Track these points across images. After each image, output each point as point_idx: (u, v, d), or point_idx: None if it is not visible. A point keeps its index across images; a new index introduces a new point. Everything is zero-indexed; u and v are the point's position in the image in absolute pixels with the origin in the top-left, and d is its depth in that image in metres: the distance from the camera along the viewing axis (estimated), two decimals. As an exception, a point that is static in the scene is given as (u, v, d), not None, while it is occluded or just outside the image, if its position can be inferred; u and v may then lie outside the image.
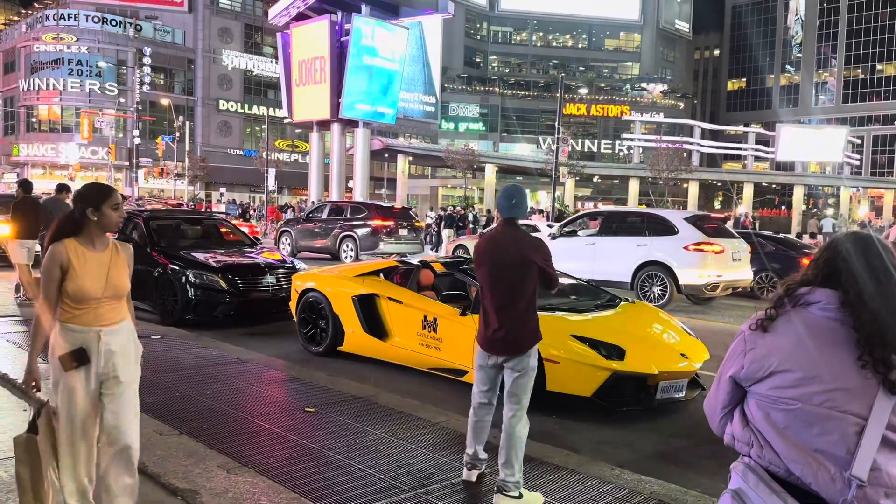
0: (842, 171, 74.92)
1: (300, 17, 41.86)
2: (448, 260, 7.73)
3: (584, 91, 79.58)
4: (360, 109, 41.06)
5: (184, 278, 8.78)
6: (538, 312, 5.50)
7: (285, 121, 46.28)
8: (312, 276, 7.86)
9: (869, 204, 72.23)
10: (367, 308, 6.96)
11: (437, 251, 24.00)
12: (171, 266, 9.04)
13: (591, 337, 5.43)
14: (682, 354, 5.67)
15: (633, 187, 61.26)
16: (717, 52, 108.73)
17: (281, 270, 9.41)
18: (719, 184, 68.12)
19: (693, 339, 6.01)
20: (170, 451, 4.16)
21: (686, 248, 11.52)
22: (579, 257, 12.40)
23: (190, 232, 10.38)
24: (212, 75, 59.96)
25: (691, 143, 70.70)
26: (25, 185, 9.67)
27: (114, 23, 54.11)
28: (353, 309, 7.01)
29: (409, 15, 43.30)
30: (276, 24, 45.11)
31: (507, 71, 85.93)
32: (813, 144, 71.39)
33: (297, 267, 9.72)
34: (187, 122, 50.37)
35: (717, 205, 77.89)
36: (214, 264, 9.09)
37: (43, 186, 37.44)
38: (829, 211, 66.97)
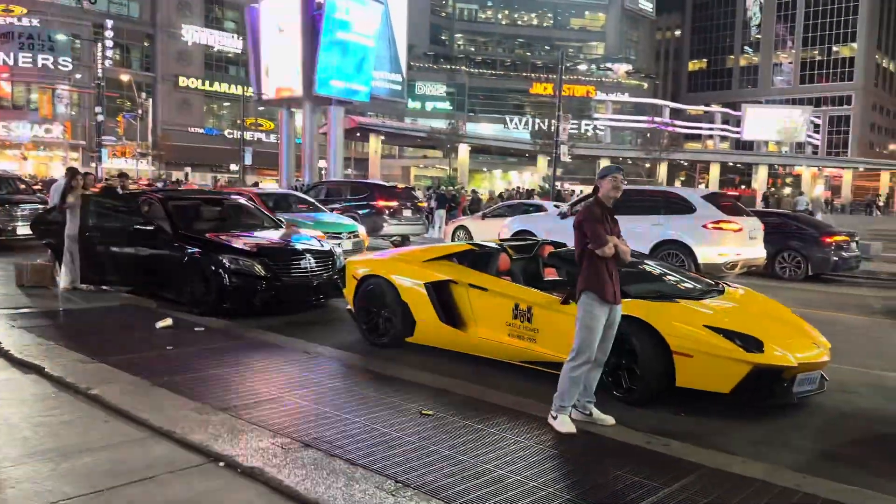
0: (803, 150, 76.55)
1: (269, -10, 40.41)
2: (515, 243, 7.19)
3: (552, 71, 79.29)
4: (335, 86, 39.90)
5: (217, 264, 8.05)
6: (657, 302, 5.09)
7: (254, 98, 44.67)
8: (372, 261, 7.24)
9: (825, 182, 74.07)
10: (443, 296, 6.39)
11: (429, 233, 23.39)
12: (201, 251, 8.30)
13: (724, 328, 4.99)
14: (815, 344, 5.29)
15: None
16: (678, 32, 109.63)
17: (319, 253, 8.75)
18: (686, 163, 68.88)
19: (811, 327, 5.64)
20: (308, 471, 3.59)
21: (705, 226, 11.27)
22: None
23: (211, 213, 9.60)
24: (171, 51, 57.76)
25: (679, 125, 71.39)
26: None
27: (66, -6, 51.49)
28: (427, 297, 6.43)
29: (383, -11, 42.16)
30: (243, -2, 43.46)
31: (472, 49, 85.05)
32: (776, 124, 72.63)
33: (335, 250, 9.07)
34: (150, 100, 48.36)
35: (677, 184, 78.87)
36: (249, 248, 8.37)
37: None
38: (787, 190, 68.53)
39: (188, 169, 52.10)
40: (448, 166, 54.60)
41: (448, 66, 78.58)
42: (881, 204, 53.48)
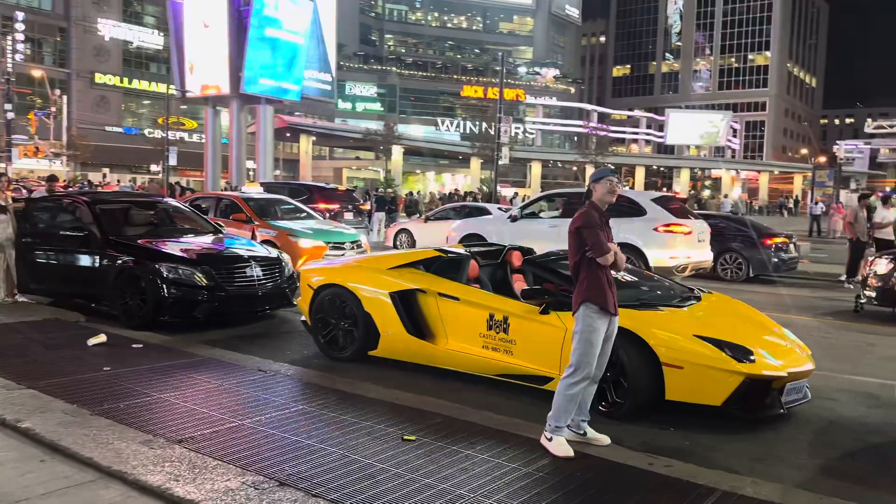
0: (723, 154, 79.66)
1: (193, -17, 38.98)
2: (480, 249, 6.86)
3: (482, 74, 79.68)
4: (264, 85, 38.84)
5: (153, 273, 7.39)
6: (642, 311, 4.86)
7: (177, 96, 42.91)
8: (330, 270, 6.76)
9: (742, 185, 77.33)
10: (411, 306, 6.01)
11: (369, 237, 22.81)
12: (135, 259, 7.62)
13: (713, 337, 4.80)
14: (799, 351, 5.18)
15: (536, 170, 62.10)
16: (602, 38, 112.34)
17: (265, 260, 8.19)
18: (612, 166, 70.28)
19: (791, 335, 5.53)
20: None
21: (656, 229, 11.28)
22: (543, 240, 11.86)
23: (143, 218, 8.87)
24: (86, 46, 54.84)
25: (612, 129, 72.70)
26: None
27: (-31, -17, 48.11)
28: (393, 307, 6.02)
29: (314, -14, 41.32)
30: (166, -9, 41.78)
31: (403, 51, 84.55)
32: (698, 128, 75.26)
33: (282, 257, 8.53)
34: (64, 97, 45.73)
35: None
36: (189, 256, 7.74)
37: None
38: (706, 192, 71.16)
39: (106, 170, 49.56)
40: (381, 168, 54.00)
41: (378, 67, 77.82)
42: (790, 205, 56.44)
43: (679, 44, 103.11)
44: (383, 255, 7.06)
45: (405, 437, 4.17)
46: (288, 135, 51.62)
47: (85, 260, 7.99)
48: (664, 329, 4.85)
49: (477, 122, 79.80)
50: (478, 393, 5.45)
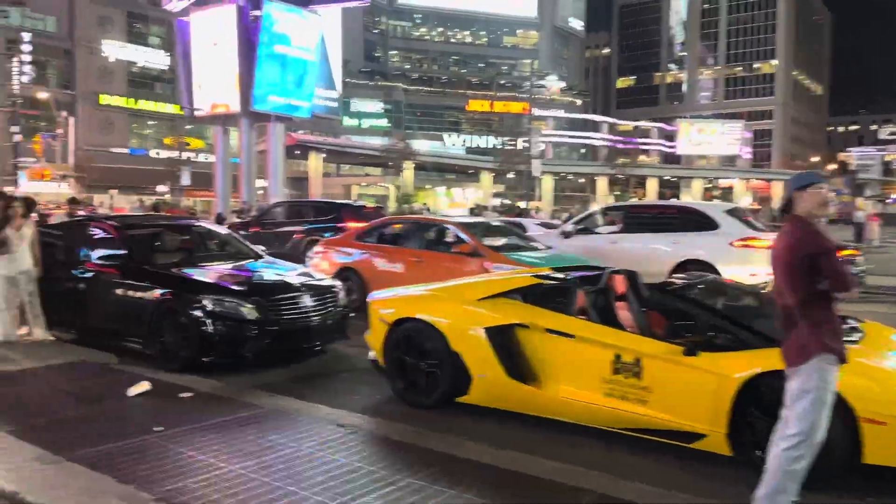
0: (734, 163, 78.86)
1: (200, 1, 38.36)
2: (576, 274, 5.92)
3: (487, 88, 79.30)
4: (274, 102, 38.03)
5: (196, 307, 6.48)
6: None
7: (186, 115, 42.26)
8: (405, 300, 5.84)
9: (752, 194, 76.50)
10: (510, 344, 5.09)
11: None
12: (173, 291, 6.72)
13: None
14: None
15: (547, 183, 61.31)
16: (606, 50, 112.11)
17: (317, 289, 7.26)
18: (622, 177, 69.58)
19: None
20: None
21: (732, 244, 10.37)
22: (602, 258, 10.96)
23: (178, 243, 7.96)
24: (91, 67, 54.38)
25: (635, 141, 72.03)
26: None
27: (-25, 7, 47.81)
28: (488, 345, 5.10)
29: (323, 2, 40.71)
30: (172, 11, 41.19)
31: (408, 66, 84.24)
32: (710, 138, 74.58)
33: (335, 285, 7.61)
34: (70, 119, 45.13)
35: (610, 200, 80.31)
36: (234, 286, 6.84)
37: None
38: (717, 202, 70.27)
39: (114, 192, 48.83)
40: (391, 184, 53.31)
41: (384, 83, 77.42)
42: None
43: (683, 54, 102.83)
44: (467, 282, 6.14)
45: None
46: (297, 152, 50.91)
47: (115, 292, 7.06)
48: (856, 374, 3.92)
49: (483, 136, 79.38)
50: (600, 449, 4.53)
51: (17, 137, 33.65)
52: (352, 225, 15.08)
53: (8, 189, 33.16)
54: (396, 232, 10.45)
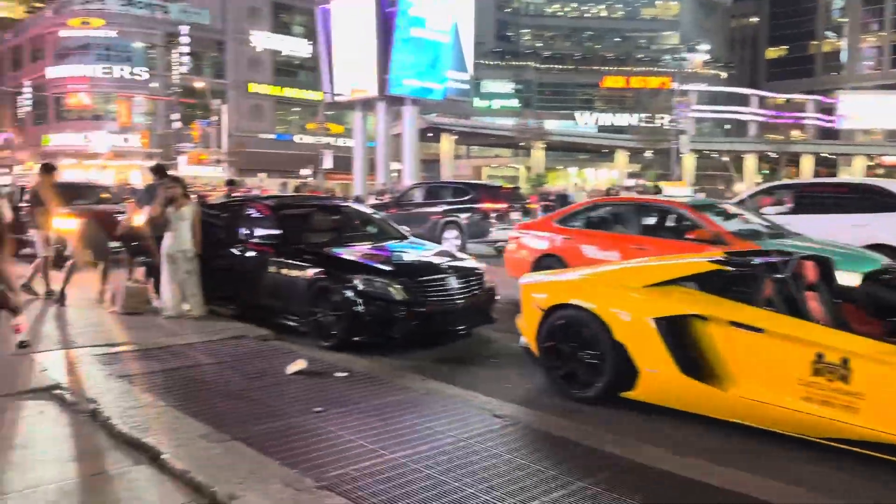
0: (902, 138, 71.22)
1: (341, -12, 39.52)
2: (757, 259, 5.26)
3: (623, 63, 76.33)
4: (408, 85, 38.61)
5: (347, 286, 6.47)
6: None
7: (327, 100, 43.86)
8: (561, 286, 5.49)
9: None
10: (684, 337, 4.61)
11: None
12: (325, 270, 6.75)
13: None
14: None
15: (689, 162, 58.13)
16: (754, 19, 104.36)
17: (463, 271, 7.07)
18: (775, 155, 64.67)
19: None
20: None
21: None
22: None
23: (329, 223, 8.06)
24: (241, 57, 57.68)
25: (805, 117, 67.49)
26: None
27: (140, 5, 51.92)
28: (659, 337, 4.65)
29: (459, -19, 40.67)
30: (314, -1, 42.72)
31: (540, 44, 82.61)
32: (878, 111, 67.73)
33: (480, 267, 7.37)
34: (223, 106, 48.24)
35: (759, 178, 74.92)
36: (384, 266, 6.78)
37: (74, 176, 35.55)
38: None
39: (262, 175, 51.77)
40: (521, 165, 52.71)
41: (515, 63, 76.47)
42: None
43: (843, 20, 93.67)
44: (629, 266, 5.68)
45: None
46: (430, 135, 51.48)
47: (271, 270, 7.24)
48: None
49: (617, 113, 76.52)
50: (789, 460, 3.98)
51: (177, 124, 36.25)
52: (488, 206, 14.91)
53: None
54: (606, 215, 9.29)
